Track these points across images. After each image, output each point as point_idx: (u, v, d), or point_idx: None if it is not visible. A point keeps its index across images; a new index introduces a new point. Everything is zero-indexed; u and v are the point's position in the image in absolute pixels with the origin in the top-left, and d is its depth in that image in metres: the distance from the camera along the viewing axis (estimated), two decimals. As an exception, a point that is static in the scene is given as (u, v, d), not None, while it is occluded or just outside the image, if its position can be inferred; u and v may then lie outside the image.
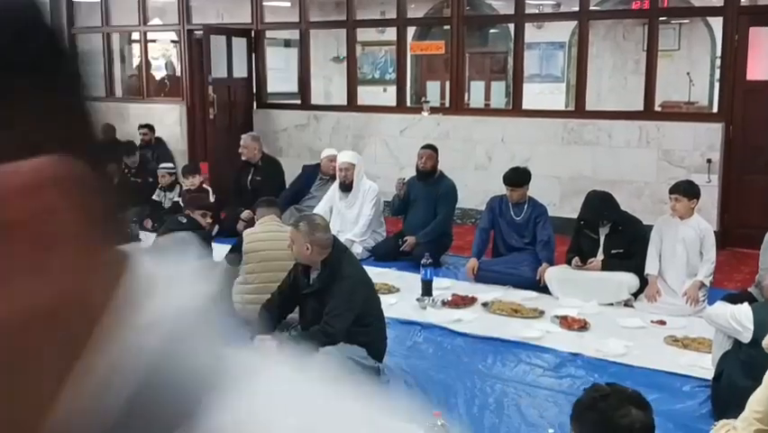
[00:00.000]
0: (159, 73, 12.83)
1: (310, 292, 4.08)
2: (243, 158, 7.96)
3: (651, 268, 5.51)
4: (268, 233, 4.97)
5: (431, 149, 6.92)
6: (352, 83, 9.50)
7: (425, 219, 6.69)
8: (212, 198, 7.78)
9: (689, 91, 11.21)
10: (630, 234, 5.67)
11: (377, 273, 5.72)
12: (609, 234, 5.72)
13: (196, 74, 9.75)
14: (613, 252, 5.69)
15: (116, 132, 10.12)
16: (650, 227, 5.74)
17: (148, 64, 11.04)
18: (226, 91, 9.59)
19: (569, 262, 5.77)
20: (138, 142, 9.44)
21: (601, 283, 5.57)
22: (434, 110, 8.89)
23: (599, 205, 5.74)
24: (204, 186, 7.87)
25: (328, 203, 7.17)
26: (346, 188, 7.07)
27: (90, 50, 11.29)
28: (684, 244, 5.42)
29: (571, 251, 5.87)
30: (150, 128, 9.82)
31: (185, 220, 5.60)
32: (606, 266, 5.64)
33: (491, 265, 6.20)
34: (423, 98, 10.82)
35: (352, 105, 9.41)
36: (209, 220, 5.73)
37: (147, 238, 6.40)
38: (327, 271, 4.03)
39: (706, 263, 5.39)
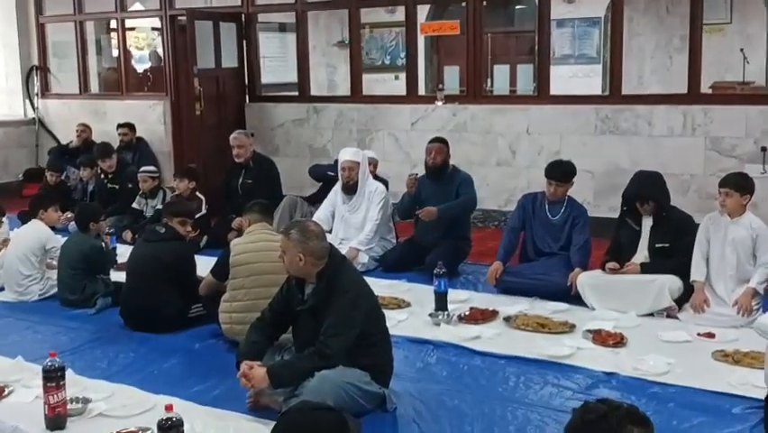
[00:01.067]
0: (140, 65, 12.92)
1: (304, 309, 4.08)
2: (240, 159, 7.98)
3: (697, 274, 5.47)
4: (258, 243, 4.98)
5: (440, 142, 6.92)
6: (356, 71, 9.53)
7: (438, 222, 6.67)
8: (204, 209, 7.83)
9: (743, 70, 11.11)
10: (678, 225, 5.65)
11: (385, 286, 5.75)
12: (654, 226, 5.69)
13: (181, 65, 9.80)
14: (657, 246, 5.65)
15: (92, 132, 10.24)
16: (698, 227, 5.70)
17: (127, 55, 11.11)
18: (214, 83, 9.65)
19: (603, 267, 5.75)
20: (116, 144, 9.51)
21: (640, 288, 5.54)
22: (449, 99, 8.89)
23: (645, 181, 5.77)
24: (197, 194, 7.91)
25: (330, 207, 7.18)
26: (350, 189, 7.07)
27: (61, 42, 11.40)
28: (734, 246, 5.39)
29: (610, 250, 5.87)
30: (131, 127, 9.90)
31: (163, 230, 5.62)
32: (645, 267, 5.62)
33: (517, 271, 6.18)
34: (438, 85, 10.83)
35: (356, 95, 9.45)
36: (189, 229, 5.73)
37: (126, 251, 6.44)
38: (323, 285, 4.02)
39: (759, 268, 5.34)
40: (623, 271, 5.67)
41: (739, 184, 5.40)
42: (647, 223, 5.75)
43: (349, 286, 4.01)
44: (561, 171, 6.20)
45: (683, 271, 5.53)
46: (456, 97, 9.20)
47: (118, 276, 6.18)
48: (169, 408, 3.43)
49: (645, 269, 5.63)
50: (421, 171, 6.94)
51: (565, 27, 13.11)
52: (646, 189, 5.72)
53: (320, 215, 7.10)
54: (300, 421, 2.14)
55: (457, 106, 8.67)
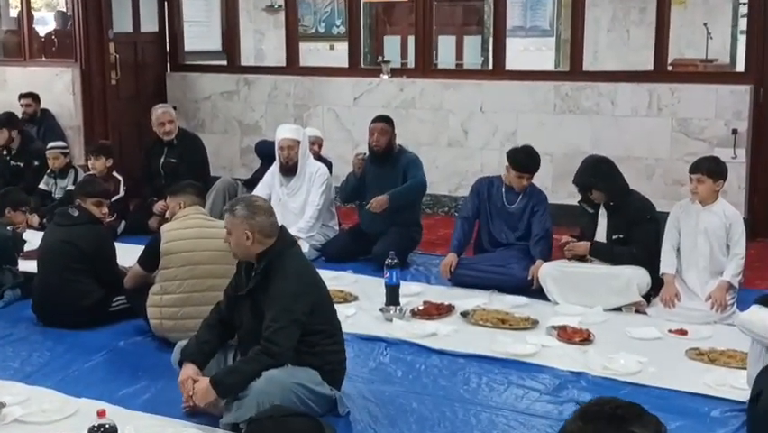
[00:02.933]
0: (44, 28, 12.56)
1: (244, 294, 4.02)
2: (170, 137, 7.83)
3: (667, 266, 5.58)
4: (192, 229, 4.90)
5: (384, 121, 6.85)
6: (292, 39, 9.44)
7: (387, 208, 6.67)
8: (122, 191, 7.68)
9: (706, 46, 11.35)
10: (634, 214, 5.74)
11: (329, 278, 5.67)
12: (610, 216, 5.78)
13: (93, 28, 9.56)
14: (613, 237, 5.76)
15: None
16: (663, 215, 5.81)
17: (30, 17, 10.79)
18: (132, 49, 9.46)
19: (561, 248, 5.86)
20: (19, 116, 9.24)
21: (605, 280, 5.63)
22: (395, 72, 8.88)
23: (590, 169, 5.82)
24: (114, 174, 7.76)
25: (266, 190, 7.10)
26: (288, 171, 7.01)
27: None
28: (707, 235, 5.50)
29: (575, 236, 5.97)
30: (35, 98, 9.61)
31: (76, 213, 5.49)
32: (594, 250, 5.74)
33: (473, 263, 6.22)
34: (380, 57, 10.80)
35: (292, 66, 9.36)
36: (105, 211, 5.61)
37: (34, 237, 6.28)
38: (264, 266, 3.94)
39: (733, 259, 5.47)
40: (574, 247, 5.82)
41: (712, 169, 5.51)
42: (603, 211, 5.85)
43: (292, 272, 3.94)
44: (528, 162, 6.21)
45: (638, 261, 5.63)
46: (403, 71, 9.18)
47: (26, 265, 6.03)
48: (101, 413, 3.38)
49: (595, 247, 5.75)
50: (366, 151, 6.92)
51: (515, -5, 13.22)
52: (588, 179, 5.79)
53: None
54: (274, 429, 2.10)
55: (404, 81, 8.66)
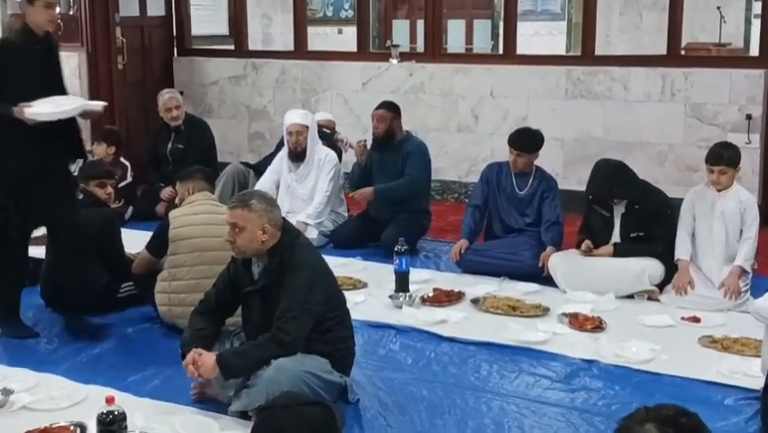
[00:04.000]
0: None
1: (254, 291, 4.02)
2: (177, 122, 7.84)
3: (681, 252, 5.56)
4: (201, 215, 4.90)
5: (385, 108, 6.81)
6: (300, 23, 9.43)
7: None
8: (129, 177, 7.69)
9: (719, 30, 11.29)
10: (650, 212, 5.71)
11: (338, 265, 5.70)
12: (626, 214, 5.75)
13: (99, 12, 9.57)
14: (632, 235, 5.73)
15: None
16: (677, 201, 5.80)
17: (35, 0, 10.79)
18: (139, 34, 9.47)
19: (579, 246, 5.81)
20: (25, 101, 9.26)
21: (616, 272, 5.62)
22: (404, 56, 8.85)
23: (608, 179, 5.75)
24: (121, 159, 7.77)
25: (274, 176, 7.10)
26: (297, 157, 7.00)
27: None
28: (723, 220, 5.48)
29: (582, 231, 5.92)
30: (41, 82, 9.62)
31: (81, 196, 5.48)
32: (619, 249, 5.69)
33: (483, 250, 6.21)
34: (389, 41, 10.77)
35: (300, 50, 9.35)
36: (109, 191, 5.58)
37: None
38: (276, 262, 3.94)
39: (745, 242, 5.45)
40: (597, 253, 5.74)
41: (733, 159, 5.46)
42: (619, 210, 5.81)
43: (304, 263, 3.95)
44: (525, 140, 6.17)
45: (662, 258, 5.62)
46: (412, 55, 9.17)
47: (35, 252, 6.03)
48: (110, 400, 3.38)
49: (619, 250, 5.70)
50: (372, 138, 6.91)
51: (527, -22, 13.16)
52: (609, 189, 5.73)
53: (263, 184, 7.01)
54: (287, 418, 2.11)
55: (414, 65, 8.64)
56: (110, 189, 5.60)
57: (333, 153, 7.09)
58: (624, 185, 5.72)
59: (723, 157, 5.46)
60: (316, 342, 3.96)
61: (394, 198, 6.69)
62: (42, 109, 4.61)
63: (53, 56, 4.88)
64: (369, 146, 6.85)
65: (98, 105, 5.30)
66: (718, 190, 5.51)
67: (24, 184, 4.79)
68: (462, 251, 6.13)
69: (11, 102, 4.57)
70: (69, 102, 4.82)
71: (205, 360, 3.83)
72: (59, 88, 4.84)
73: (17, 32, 4.85)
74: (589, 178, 5.89)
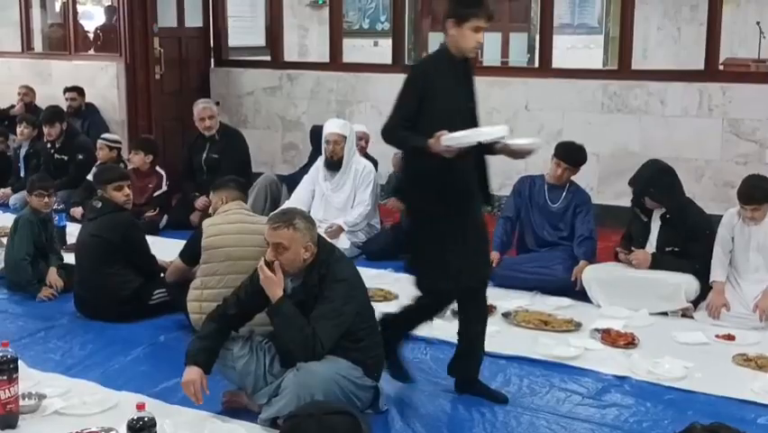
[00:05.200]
0: (89, 23, 12.73)
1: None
2: (210, 132, 7.91)
3: (717, 274, 5.50)
4: (234, 224, 4.94)
5: None
6: (336, 35, 9.47)
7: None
8: (165, 186, 7.76)
9: (758, 45, 11.20)
10: (692, 229, 5.65)
11: (370, 276, 5.73)
12: (663, 226, 5.71)
13: (138, 23, 9.68)
14: (667, 249, 5.69)
15: (35, 96, 10.10)
16: (714, 217, 5.74)
17: (75, 11, 10.93)
18: (176, 45, 9.55)
19: (616, 256, 5.78)
20: (64, 110, 9.38)
21: (653, 286, 5.58)
22: (439, 69, 8.84)
23: (650, 178, 5.72)
24: (157, 169, 7.85)
25: (310, 185, 7.15)
26: (333, 166, 7.04)
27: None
28: (758, 251, 5.44)
29: (624, 239, 5.91)
30: (80, 91, 9.76)
31: (99, 204, 5.54)
32: (656, 261, 5.65)
33: (516, 264, 6.20)
34: (424, 54, 10.78)
35: (335, 62, 9.39)
36: (128, 192, 5.58)
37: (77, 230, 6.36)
38: (315, 279, 3.92)
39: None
40: (635, 257, 5.70)
41: (765, 196, 5.36)
42: (657, 217, 5.77)
43: (342, 276, 3.96)
44: (573, 152, 6.19)
45: (698, 274, 5.57)
46: (447, 68, 9.15)
47: (69, 258, 6.12)
48: (140, 406, 3.40)
49: (657, 260, 5.65)
50: None
51: (563, -9, 13.13)
52: (647, 187, 5.71)
53: (300, 194, 7.08)
54: (313, 427, 2.11)
55: (448, 78, 8.63)
56: (127, 191, 5.61)
57: (370, 165, 7.12)
58: (662, 189, 5.67)
59: (755, 197, 5.35)
60: (350, 350, 3.97)
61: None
62: (462, 134, 3.91)
63: (470, 84, 4.26)
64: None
65: (531, 143, 4.46)
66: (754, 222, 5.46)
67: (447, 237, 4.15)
68: (495, 264, 6.12)
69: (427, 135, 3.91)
70: (491, 130, 4.12)
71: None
72: (473, 121, 4.23)
73: (436, 55, 4.24)
74: (635, 173, 5.87)
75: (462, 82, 4.19)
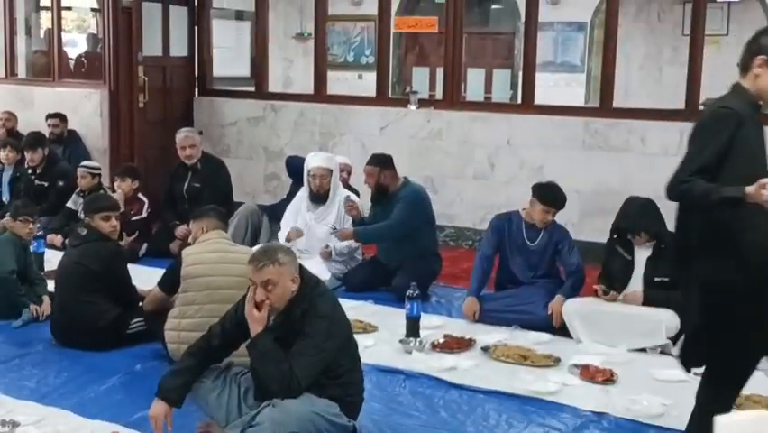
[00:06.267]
0: (73, 50, 12.73)
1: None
2: (191, 161, 7.90)
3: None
4: (214, 253, 4.92)
5: (373, 163, 6.87)
6: (321, 67, 9.51)
7: (398, 240, 6.74)
8: (145, 212, 7.74)
9: (739, 87, 11.32)
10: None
11: (350, 307, 5.66)
12: (652, 257, 5.72)
13: (123, 51, 9.69)
14: (656, 279, 5.68)
15: (17, 122, 10.06)
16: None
17: (60, 38, 10.93)
18: (161, 73, 9.55)
19: (596, 293, 5.78)
20: (46, 136, 9.35)
21: (634, 322, 5.57)
22: (422, 103, 8.91)
23: (639, 212, 5.75)
24: (140, 195, 7.82)
25: (295, 214, 7.15)
26: (318, 199, 7.06)
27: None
28: None
29: (601, 277, 5.89)
30: (62, 118, 9.73)
31: (85, 231, 5.51)
32: (650, 297, 5.65)
33: (495, 299, 6.19)
34: (408, 88, 10.85)
35: (320, 94, 9.42)
36: (114, 224, 5.57)
37: (55, 257, 6.32)
38: (298, 314, 3.88)
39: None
40: (626, 300, 5.70)
41: None
42: (642, 252, 5.78)
43: (325, 312, 3.92)
44: (563, 199, 6.17)
45: (676, 309, 5.56)
46: (431, 102, 9.22)
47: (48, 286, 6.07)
48: (115, 436, 3.37)
49: (650, 298, 5.65)
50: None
51: (546, 30, 13.23)
52: (640, 222, 5.72)
53: (288, 222, 7.13)
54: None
55: (432, 112, 8.69)
56: (115, 222, 5.59)
57: (354, 197, 7.13)
58: (655, 220, 5.69)
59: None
60: (328, 386, 3.93)
61: (374, 240, 6.91)
62: None
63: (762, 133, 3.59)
64: (356, 204, 6.91)
65: None
66: None
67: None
68: (476, 316, 6.09)
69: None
70: None
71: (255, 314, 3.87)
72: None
73: (737, 96, 3.57)
74: (618, 212, 5.89)
75: (758, 129, 3.58)
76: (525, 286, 6.18)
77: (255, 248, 4.77)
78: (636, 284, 5.75)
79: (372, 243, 6.99)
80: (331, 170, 7.03)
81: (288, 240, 6.91)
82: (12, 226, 6.10)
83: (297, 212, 7.16)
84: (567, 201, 6.28)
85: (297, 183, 7.45)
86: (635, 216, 5.77)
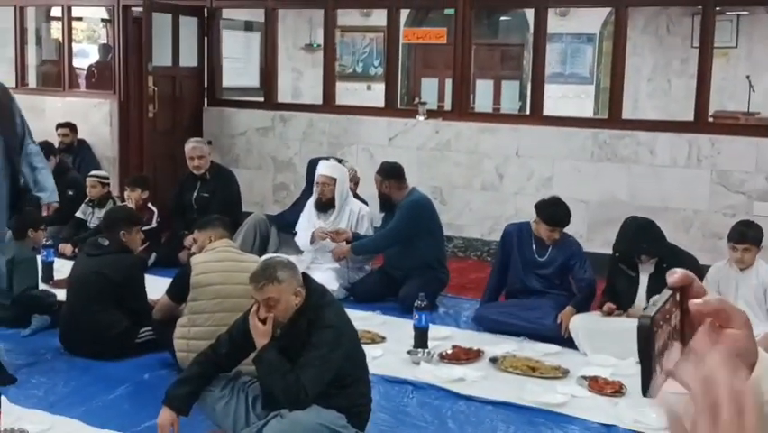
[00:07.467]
0: (84, 60, 12.79)
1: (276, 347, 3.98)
2: (200, 171, 7.91)
3: None
4: (223, 262, 4.92)
5: (377, 172, 6.96)
6: (329, 78, 9.52)
7: (403, 250, 6.73)
8: (155, 222, 7.76)
9: (748, 99, 11.30)
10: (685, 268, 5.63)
11: (358, 318, 5.66)
12: (655, 275, 5.71)
13: (133, 61, 9.73)
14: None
15: (28, 131, 10.07)
16: (705, 267, 5.75)
17: (70, 48, 10.99)
18: (170, 83, 9.57)
19: (601, 308, 5.76)
20: (56, 146, 9.37)
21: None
22: (431, 114, 8.91)
23: (637, 234, 5.74)
24: (149, 205, 7.84)
25: (309, 221, 7.16)
26: (322, 206, 7.06)
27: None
28: (746, 300, 5.44)
29: (606, 293, 5.87)
30: (72, 128, 9.77)
31: (107, 242, 5.53)
32: None
33: (504, 309, 6.19)
34: (416, 99, 10.85)
35: (328, 104, 9.44)
36: (141, 236, 5.64)
37: (65, 266, 6.34)
38: (304, 324, 3.89)
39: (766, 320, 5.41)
40: (631, 316, 5.67)
41: (758, 238, 5.46)
42: (646, 269, 5.77)
43: (332, 323, 3.93)
44: (564, 215, 6.15)
45: None
46: (439, 113, 9.23)
47: (58, 294, 6.08)
48: (122, 445, 3.36)
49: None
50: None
51: (555, 42, 13.23)
52: (638, 246, 5.71)
53: (302, 228, 7.15)
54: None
55: (440, 123, 8.69)
56: (141, 235, 5.68)
57: (366, 208, 7.16)
58: (653, 242, 5.70)
59: (747, 236, 5.44)
60: (336, 396, 3.93)
61: (372, 251, 6.95)
62: None
63: None
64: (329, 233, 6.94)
65: None
66: (741, 269, 5.47)
67: None
68: None
69: None
70: None
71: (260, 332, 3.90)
72: None
73: None
74: (618, 235, 5.88)
75: None
76: (536, 297, 6.17)
77: (264, 257, 4.78)
78: (643, 300, 5.74)
79: (371, 253, 7.00)
80: (335, 179, 7.02)
81: (312, 242, 6.95)
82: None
83: (310, 219, 7.17)
84: (573, 215, 6.25)
85: (311, 188, 7.47)
86: (633, 240, 5.76)
